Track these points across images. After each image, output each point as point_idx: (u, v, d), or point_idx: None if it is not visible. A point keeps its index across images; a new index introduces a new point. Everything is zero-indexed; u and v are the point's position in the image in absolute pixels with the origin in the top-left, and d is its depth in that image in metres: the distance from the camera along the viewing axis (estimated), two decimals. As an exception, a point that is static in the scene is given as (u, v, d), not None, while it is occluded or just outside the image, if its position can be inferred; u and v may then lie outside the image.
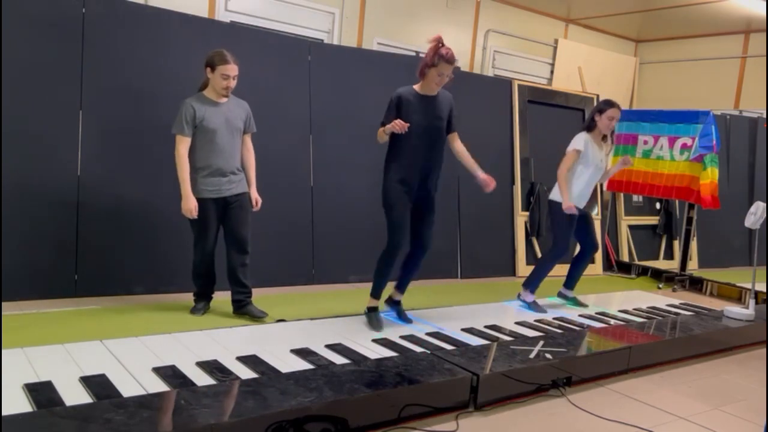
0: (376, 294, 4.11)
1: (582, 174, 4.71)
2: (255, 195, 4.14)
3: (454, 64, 3.80)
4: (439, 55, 3.73)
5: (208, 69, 3.88)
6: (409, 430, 2.73)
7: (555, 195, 4.79)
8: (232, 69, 3.86)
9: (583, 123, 4.92)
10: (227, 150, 3.95)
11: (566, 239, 4.79)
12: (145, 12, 4.77)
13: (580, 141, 4.69)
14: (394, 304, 4.29)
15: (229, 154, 3.96)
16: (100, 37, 4.39)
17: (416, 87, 3.91)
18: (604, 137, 4.80)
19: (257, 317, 4.06)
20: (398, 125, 3.64)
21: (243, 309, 4.12)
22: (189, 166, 3.90)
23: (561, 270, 5.22)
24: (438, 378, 2.97)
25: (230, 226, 4.05)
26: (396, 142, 3.85)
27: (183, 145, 3.89)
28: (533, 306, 4.88)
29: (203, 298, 4.18)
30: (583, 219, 4.83)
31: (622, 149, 6.70)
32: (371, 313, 4.10)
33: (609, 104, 4.69)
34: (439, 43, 3.75)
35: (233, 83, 3.91)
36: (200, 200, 3.90)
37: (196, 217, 3.88)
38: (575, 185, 4.73)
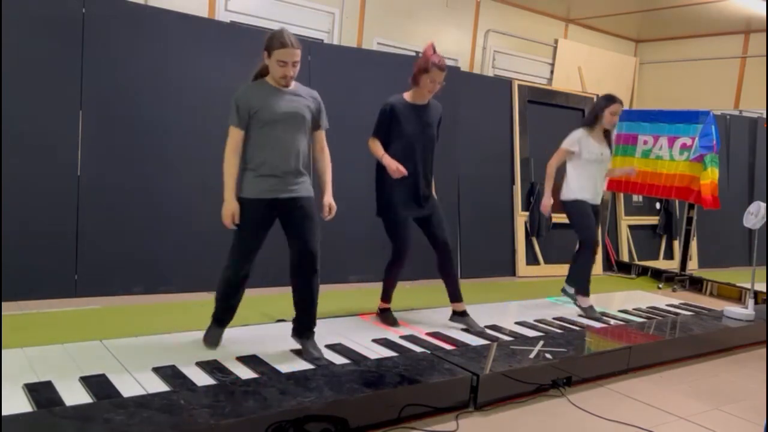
0: (386, 298, 4.16)
1: (584, 169, 4.72)
2: (328, 200, 3.46)
3: (445, 71, 3.83)
4: (432, 62, 3.77)
5: (265, 53, 3.25)
6: (409, 430, 2.73)
7: (564, 195, 4.82)
8: (291, 54, 3.18)
9: (583, 120, 4.96)
10: (285, 146, 3.26)
11: (589, 230, 4.76)
12: (145, 12, 4.77)
13: (572, 140, 4.74)
14: (458, 315, 4.22)
15: (287, 151, 3.27)
16: (100, 37, 4.38)
17: (406, 96, 3.94)
18: (607, 131, 4.82)
19: (311, 359, 3.34)
20: (395, 171, 3.73)
21: (300, 341, 3.47)
22: (238, 166, 3.28)
23: (562, 270, 5.21)
24: (438, 378, 2.97)
25: (294, 238, 3.34)
26: (389, 151, 3.88)
27: (233, 139, 3.25)
28: (589, 311, 4.83)
29: (221, 323, 3.49)
30: (593, 214, 4.84)
31: (621, 149, 6.70)
32: (384, 313, 4.14)
33: (612, 100, 4.71)
34: (431, 50, 3.81)
35: (293, 71, 3.24)
36: (248, 200, 3.25)
37: (233, 226, 3.24)
38: (579, 181, 4.74)
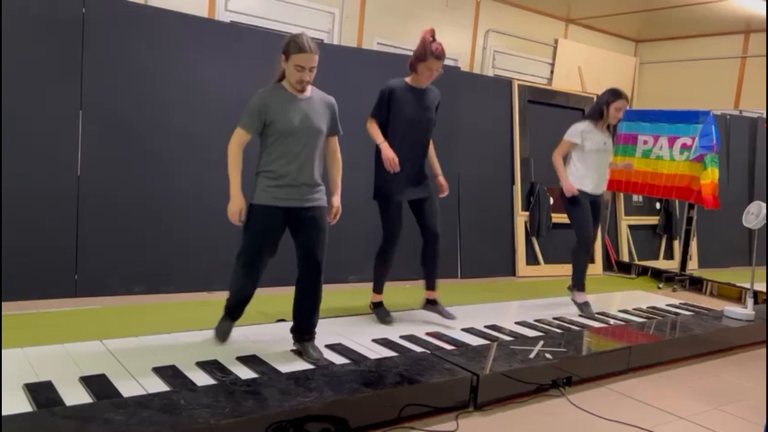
0: (378, 289, 4.15)
1: (588, 159, 4.74)
2: (337, 202, 3.46)
3: (443, 60, 3.83)
4: (429, 50, 3.76)
5: (282, 57, 3.18)
6: (409, 430, 2.73)
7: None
8: (309, 59, 3.12)
9: (587, 112, 4.98)
10: (303, 156, 3.23)
11: (585, 225, 4.76)
12: (145, 12, 4.76)
13: (575, 132, 4.76)
14: (430, 303, 4.25)
15: (305, 161, 3.24)
16: (100, 37, 4.38)
17: (407, 79, 3.98)
18: (609, 124, 4.83)
19: (313, 360, 3.31)
20: (390, 162, 3.78)
21: (300, 344, 3.44)
22: (241, 163, 3.23)
23: (562, 270, 5.21)
24: (438, 378, 2.97)
25: (302, 246, 3.33)
26: (387, 133, 3.92)
27: (239, 139, 3.21)
28: (584, 307, 4.84)
29: (231, 317, 3.53)
30: (593, 206, 4.84)
31: (621, 149, 6.70)
32: (378, 308, 4.12)
33: (617, 95, 4.71)
34: (430, 36, 3.78)
35: (310, 76, 3.19)
36: (262, 206, 3.22)
37: (240, 223, 3.23)
38: (583, 170, 4.75)
